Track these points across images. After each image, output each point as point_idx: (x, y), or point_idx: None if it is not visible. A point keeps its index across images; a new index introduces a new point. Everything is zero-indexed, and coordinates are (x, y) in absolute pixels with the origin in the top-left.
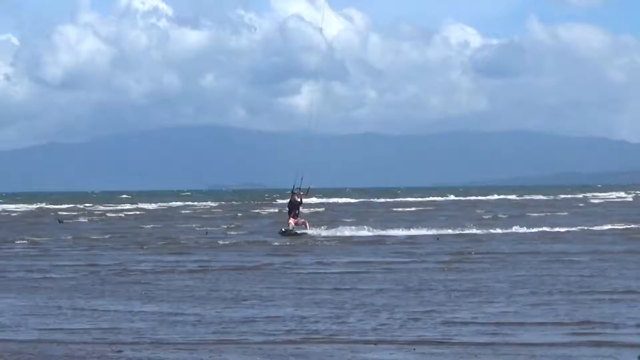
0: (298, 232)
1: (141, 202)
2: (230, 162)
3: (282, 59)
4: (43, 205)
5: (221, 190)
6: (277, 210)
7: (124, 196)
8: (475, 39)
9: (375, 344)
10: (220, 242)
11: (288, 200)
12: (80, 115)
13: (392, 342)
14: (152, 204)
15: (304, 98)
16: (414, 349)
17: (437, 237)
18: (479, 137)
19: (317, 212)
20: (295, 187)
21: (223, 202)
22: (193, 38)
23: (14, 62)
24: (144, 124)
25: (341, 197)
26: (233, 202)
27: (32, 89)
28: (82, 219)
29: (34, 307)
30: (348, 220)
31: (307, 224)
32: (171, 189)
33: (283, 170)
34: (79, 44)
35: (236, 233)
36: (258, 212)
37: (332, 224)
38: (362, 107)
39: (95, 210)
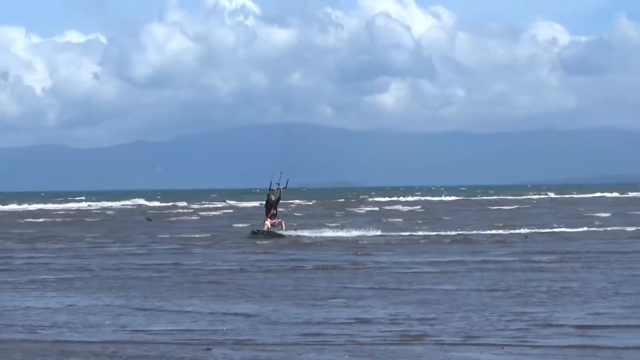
0: (277, 232)
1: (229, 199)
2: (317, 160)
3: (369, 57)
4: (136, 202)
5: (308, 189)
6: (377, 209)
7: (213, 195)
8: (563, 36)
9: (501, 348)
10: (307, 241)
11: (265, 200)
12: (168, 114)
13: (482, 344)
14: (243, 202)
15: (391, 96)
16: (503, 347)
17: (525, 236)
18: (566, 134)
19: (414, 211)
20: (273, 184)
21: (315, 200)
22: (280, 36)
23: (102, 61)
24: (230, 122)
25: (435, 195)
26: (323, 199)
27: (120, 87)
28: (172, 218)
29: (123, 307)
30: (446, 218)
31: (284, 225)
32: (258, 187)
33: (370, 168)
34: (167, 43)
35: (334, 233)
36: (352, 210)
37: (431, 224)
38: (449, 105)
39: (185, 209)
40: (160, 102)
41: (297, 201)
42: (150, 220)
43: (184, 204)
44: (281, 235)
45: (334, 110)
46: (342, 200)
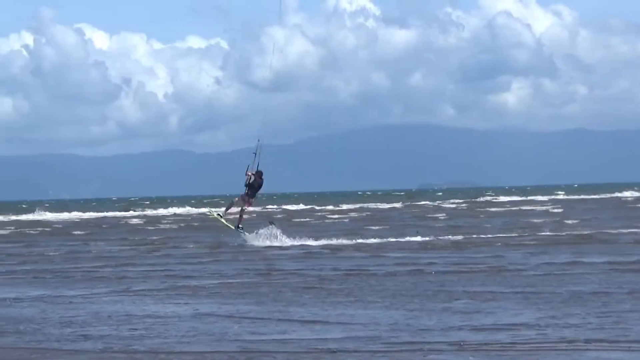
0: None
1: (361, 202)
2: (439, 161)
3: (490, 56)
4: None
5: (432, 189)
6: (516, 208)
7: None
8: None
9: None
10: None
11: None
12: (289, 117)
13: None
14: (376, 204)
15: (513, 95)
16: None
17: None
18: None
19: (547, 211)
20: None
21: (458, 201)
22: (401, 37)
23: (223, 66)
24: (352, 124)
25: (572, 194)
26: (450, 200)
27: (241, 91)
28: (305, 219)
29: (258, 312)
30: (586, 217)
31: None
32: (381, 189)
33: (493, 167)
34: (288, 46)
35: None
36: (485, 210)
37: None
38: (572, 102)
39: (320, 211)
40: (281, 106)
41: (452, 201)
42: (274, 224)
43: (313, 205)
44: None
45: (456, 110)
46: (481, 199)
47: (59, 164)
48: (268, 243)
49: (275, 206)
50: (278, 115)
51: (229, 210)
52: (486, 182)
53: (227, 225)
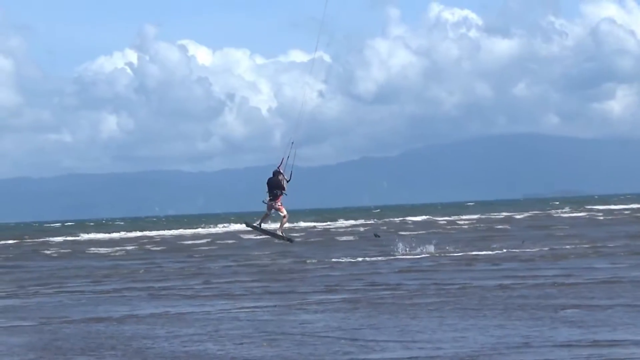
0: (276, 232)
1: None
2: (544, 170)
3: (594, 64)
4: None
5: (539, 199)
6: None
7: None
8: None
9: None
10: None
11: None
12: (393, 129)
13: None
14: (481, 215)
15: (618, 102)
16: None
17: None
18: None
19: None
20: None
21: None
22: (504, 47)
23: (326, 79)
24: (456, 135)
25: None
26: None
27: (345, 104)
28: (402, 232)
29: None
30: None
31: (286, 219)
32: (486, 199)
33: (600, 176)
34: (391, 58)
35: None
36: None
37: None
38: None
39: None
40: (385, 118)
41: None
42: (379, 236)
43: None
44: (281, 237)
45: (560, 118)
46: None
47: (165, 180)
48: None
49: (397, 219)
50: (381, 128)
51: (265, 219)
52: (593, 190)
53: (267, 233)
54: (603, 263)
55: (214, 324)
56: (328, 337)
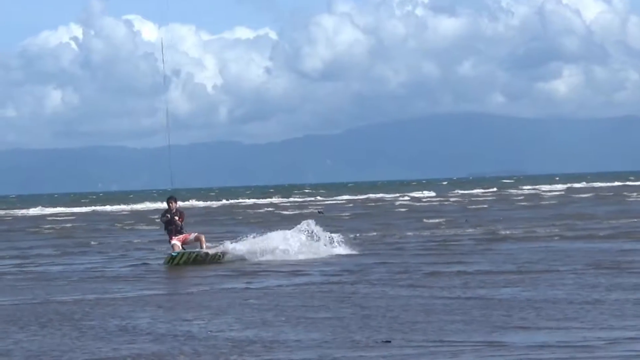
0: (202, 252)
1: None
2: (490, 150)
3: (540, 43)
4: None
5: (484, 178)
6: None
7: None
8: None
9: None
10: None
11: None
12: (338, 107)
13: None
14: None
15: (564, 82)
16: None
17: None
18: None
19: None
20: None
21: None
22: (450, 25)
23: (272, 56)
24: (402, 114)
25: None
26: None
27: (290, 82)
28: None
29: None
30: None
31: (203, 239)
32: (431, 178)
33: (544, 156)
34: (337, 35)
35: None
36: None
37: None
38: (622, 90)
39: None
40: (330, 95)
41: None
42: (322, 213)
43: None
44: (216, 257)
45: (506, 97)
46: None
47: (109, 156)
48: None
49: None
50: (327, 105)
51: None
52: (537, 169)
53: (188, 257)
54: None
55: None
56: None
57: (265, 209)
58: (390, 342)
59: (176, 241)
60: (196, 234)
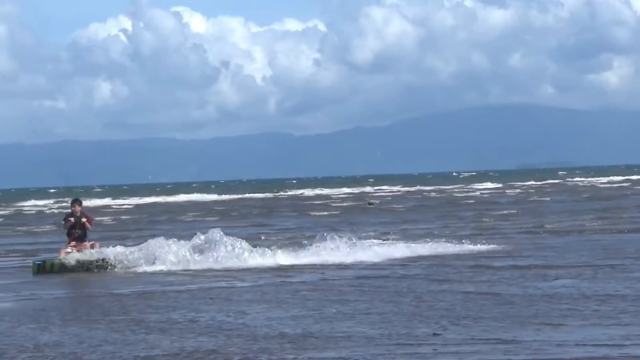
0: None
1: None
2: (539, 141)
3: (590, 35)
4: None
5: (534, 169)
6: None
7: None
8: None
9: None
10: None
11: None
12: (387, 98)
13: None
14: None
15: (614, 74)
16: None
17: None
18: None
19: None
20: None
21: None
22: (499, 16)
23: (321, 48)
24: (451, 105)
25: None
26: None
27: (340, 73)
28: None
29: None
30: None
31: (97, 247)
32: (481, 170)
33: (593, 147)
34: (386, 26)
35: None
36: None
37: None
38: None
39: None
40: (380, 87)
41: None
42: (372, 204)
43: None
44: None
45: (556, 89)
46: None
47: (158, 148)
48: None
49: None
50: (377, 96)
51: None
52: (585, 161)
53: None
54: None
55: None
56: None
57: (319, 201)
58: (440, 334)
59: (70, 247)
60: (92, 242)
